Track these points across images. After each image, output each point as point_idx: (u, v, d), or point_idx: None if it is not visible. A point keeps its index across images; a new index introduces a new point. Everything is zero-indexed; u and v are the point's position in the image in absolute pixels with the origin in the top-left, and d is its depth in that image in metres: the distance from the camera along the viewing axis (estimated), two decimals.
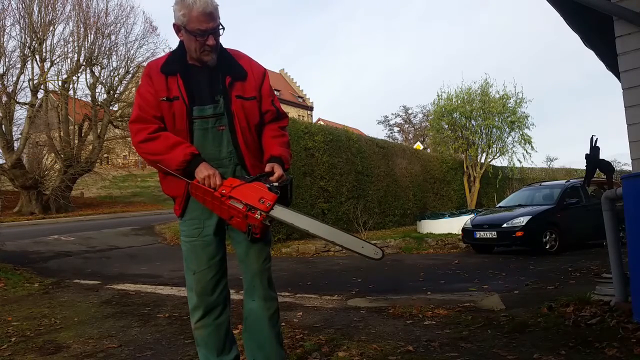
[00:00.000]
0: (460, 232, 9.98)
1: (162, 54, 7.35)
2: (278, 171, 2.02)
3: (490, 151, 18.14)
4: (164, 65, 2.05)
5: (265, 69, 2.19)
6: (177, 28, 2.02)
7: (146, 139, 2.01)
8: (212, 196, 1.96)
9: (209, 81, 2.05)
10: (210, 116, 2.04)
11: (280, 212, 1.98)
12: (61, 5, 23.94)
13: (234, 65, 2.09)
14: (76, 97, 25.34)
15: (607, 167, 4.01)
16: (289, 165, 2.13)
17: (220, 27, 2.01)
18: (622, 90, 3.44)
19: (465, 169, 18.37)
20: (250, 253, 2.13)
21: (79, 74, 24.78)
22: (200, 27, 1.95)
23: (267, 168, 2.03)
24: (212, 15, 1.95)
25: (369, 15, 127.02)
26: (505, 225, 8.97)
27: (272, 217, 1.98)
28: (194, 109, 2.02)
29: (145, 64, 18.70)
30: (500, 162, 19.95)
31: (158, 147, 2.00)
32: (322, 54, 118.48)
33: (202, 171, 1.97)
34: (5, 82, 22.76)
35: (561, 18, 4.22)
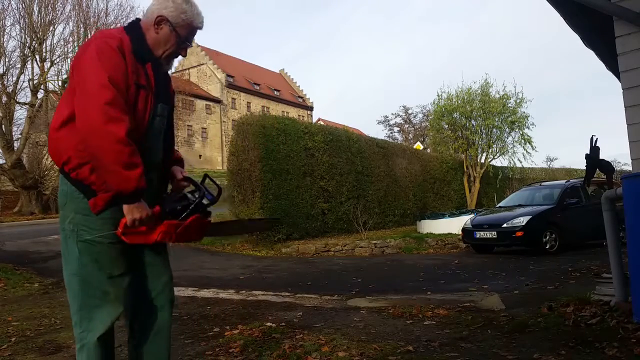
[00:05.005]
0: (460, 232, 9.97)
1: None
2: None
3: (490, 151, 18.13)
4: (136, 49, 1.80)
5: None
6: (163, 20, 1.84)
7: None
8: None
9: (165, 82, 1.99)
10: (164, 116, 1.98)
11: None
12: (61, 5, 24.01)
13: (169, 78, 2.09)
14: None
15: (607, 167, 4.01)
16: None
17: None
18: (622, 90, 3.44)
19: (465, 169, 18.35)
20: (165, 257, 2.11)
21: None
22: (189, 38, 1.94)
23: (178, 175, 2.05)
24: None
25: (369, 16, 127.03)
26: (505, 225, 8.96)
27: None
28: (158, 105, 1.91)
29: None
30: (500, 162, 19.98)
31: None
32: (323, 54, 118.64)
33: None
34: (5, 82, 22.81)
35: (561, 18, 4.22)
